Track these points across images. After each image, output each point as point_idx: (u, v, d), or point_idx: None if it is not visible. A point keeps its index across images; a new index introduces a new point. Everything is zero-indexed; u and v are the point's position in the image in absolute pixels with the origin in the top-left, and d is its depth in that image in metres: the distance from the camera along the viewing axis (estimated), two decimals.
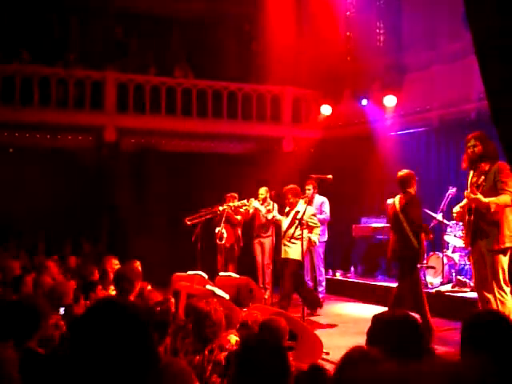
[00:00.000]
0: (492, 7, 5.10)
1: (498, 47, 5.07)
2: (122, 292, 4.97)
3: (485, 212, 5.67)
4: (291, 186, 8.35)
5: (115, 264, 6.75)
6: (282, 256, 8.10)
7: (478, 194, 5.69)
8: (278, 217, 8.47)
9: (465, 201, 6.02)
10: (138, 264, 6.59)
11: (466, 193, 5.92)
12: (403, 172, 7.09)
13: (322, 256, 9.58)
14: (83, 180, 12.86)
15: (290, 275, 7.99)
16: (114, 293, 5.56)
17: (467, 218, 5.91)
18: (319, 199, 9.56)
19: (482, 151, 5.82)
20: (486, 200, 5.63)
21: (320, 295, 9.29)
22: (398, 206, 6.96)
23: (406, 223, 6.84)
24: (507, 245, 5.67)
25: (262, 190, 9.80)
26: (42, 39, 13.24)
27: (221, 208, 9.56)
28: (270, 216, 9.41)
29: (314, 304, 8.43)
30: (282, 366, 2.24)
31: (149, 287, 5.69)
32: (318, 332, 5.86)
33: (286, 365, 2.27)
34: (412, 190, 6.98)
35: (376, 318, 2.42)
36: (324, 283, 9.68)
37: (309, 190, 9.20)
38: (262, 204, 9.68)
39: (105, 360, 1.39)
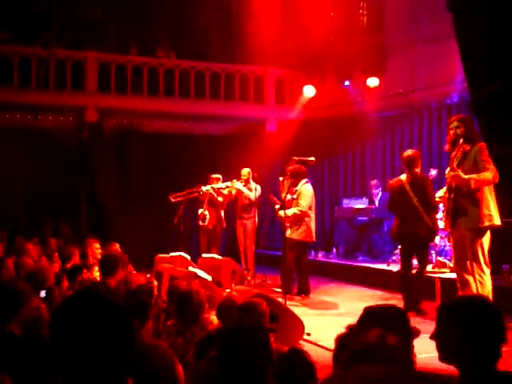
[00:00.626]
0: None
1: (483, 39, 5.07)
2: (105, 275, 4.97)
3: (465, 190, 5.73)
4: (294, 166, 8.43)
5: (96, 248, 6.74)
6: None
7: (459, 170, 5.75)
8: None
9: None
10: (117, 246, 6.59)
11: (446, 173, 5.98)
12: (410, 152, 7.10)
13: None
14: (64, 161, 12.72)
15: (284, 256, 8.05)
16: (97, 274, 5.55)
17: (447, 196, 5.98)
18: None
19: (465, 132, 5.89)
20: (466, 177, 5.69)
21: None
22: (406, 185, 6.94)
23: (418, 202, 6.84)
24: (486, 224, 5.73)
25: (245, 172, 9.81)
26: (22, 18, 12.98)
27: (204, 189, 9.56)
28: (252, 196, 9.49)
29: (302, 290, 8.44)
30: (263, 349, 2.26)
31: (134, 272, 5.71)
32: (299, 313, 5.91)
33: (267, 348, 2.28)
34: (419, 170, 7.00)
35: (365, 311, 2.44)
36: None
37: None
38: (244, 185, 9.70)
39: (84, 347, 1.40)
